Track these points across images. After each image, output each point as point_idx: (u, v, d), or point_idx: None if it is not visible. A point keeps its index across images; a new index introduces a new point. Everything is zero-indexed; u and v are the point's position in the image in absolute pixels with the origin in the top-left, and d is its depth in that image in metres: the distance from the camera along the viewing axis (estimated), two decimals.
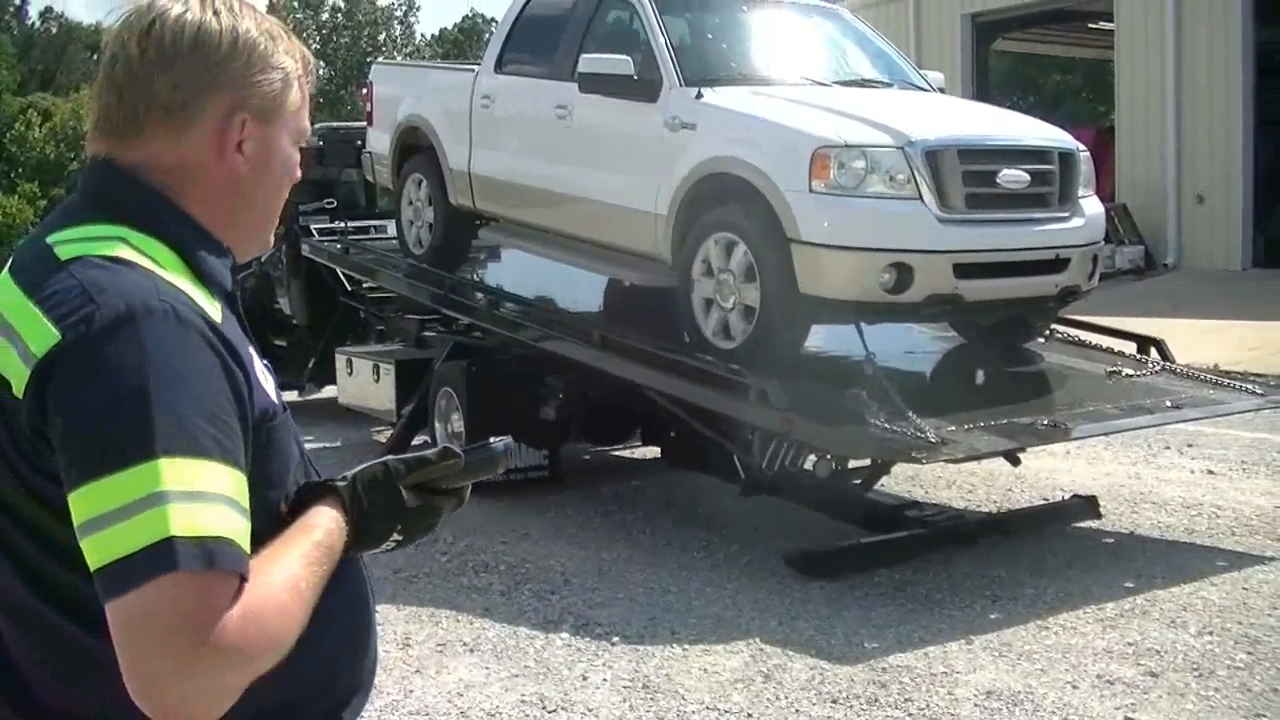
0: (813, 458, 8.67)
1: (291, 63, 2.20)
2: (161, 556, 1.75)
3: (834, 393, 8.24)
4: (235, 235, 2.18)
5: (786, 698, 6.40)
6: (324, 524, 2.02)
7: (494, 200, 11.24)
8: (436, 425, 11.18)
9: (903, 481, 10.53)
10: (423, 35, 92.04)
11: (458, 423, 10.94)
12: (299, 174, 2.27)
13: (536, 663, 6.98)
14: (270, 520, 1.99)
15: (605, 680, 6.68)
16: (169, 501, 1.77)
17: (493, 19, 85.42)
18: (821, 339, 9.49)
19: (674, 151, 9.16)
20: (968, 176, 8.42)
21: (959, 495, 10.47)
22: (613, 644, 7.21)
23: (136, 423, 1.80)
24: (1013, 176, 8.54)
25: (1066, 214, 8.91)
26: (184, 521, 1.77)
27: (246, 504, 1.86)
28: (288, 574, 1.90)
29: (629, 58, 9.41)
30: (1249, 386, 9.67)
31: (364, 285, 14.07)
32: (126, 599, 1.75)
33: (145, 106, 2.08)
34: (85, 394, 1.83)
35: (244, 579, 1.81)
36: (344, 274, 14.05)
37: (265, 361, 2.29)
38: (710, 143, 8.94)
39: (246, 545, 1.83)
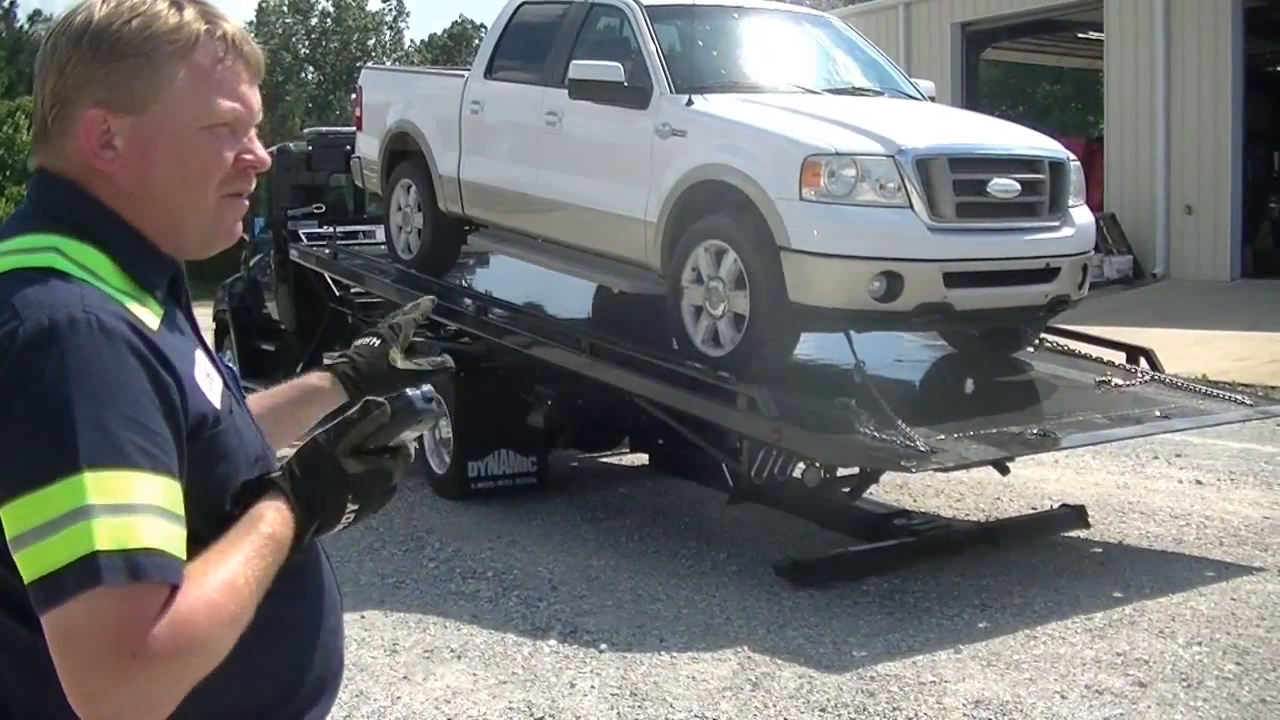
0: (801, 466, 8.64)
1: (168, 43, 2.07)
2: (85, 572, 1.74)
3: (823, 401, 8.23)
4: (162, 234, 2.12)
5: (775, 706, 6.39)
6: (265, 515, 2.02)
7: (483, 206, 11.22)
8: (425, 434, 11.13)
9: (891, 490, 10.52)
10: (412, 41, 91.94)
11: (446, 429, 10.91)
12: (232, 158, 2.14)
13: (524, 669, 6.96)
14: (217, 524, 1.98)
15: (593, 688, 6.66)
16: (93, 516, 1.76)
17: (481, 25, 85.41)
18: (810, 347, 9.48)
19: (664, 158, 9.15)
20: (958, 185, 8.41)
21: (947, 504, 10.47)
22: (600, 651, 7.19)
23: (59, 436, 1.80)
24: (1003, 185, 8.53)
25: (1057, 223, 8.90)
26: (108, 535, 1.76)
27: (180, 510, 1.85)
28: (224, 574, 1.89)
29: (619, 65, 9.40)
30: (1237, 397, 9.67)
31: (352, 290, 14.05)
32: (55, 613, 1.76)
33: (42, 113, 2.08)
34: (8, 409, 1.82)
35: (175, 587, 1.81)
36: (332, 279, 14.03)
37: (229, 365, 2.30)
38: (701, 150, 8.93)
39: (180, 552, 1.83)
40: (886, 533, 9.00)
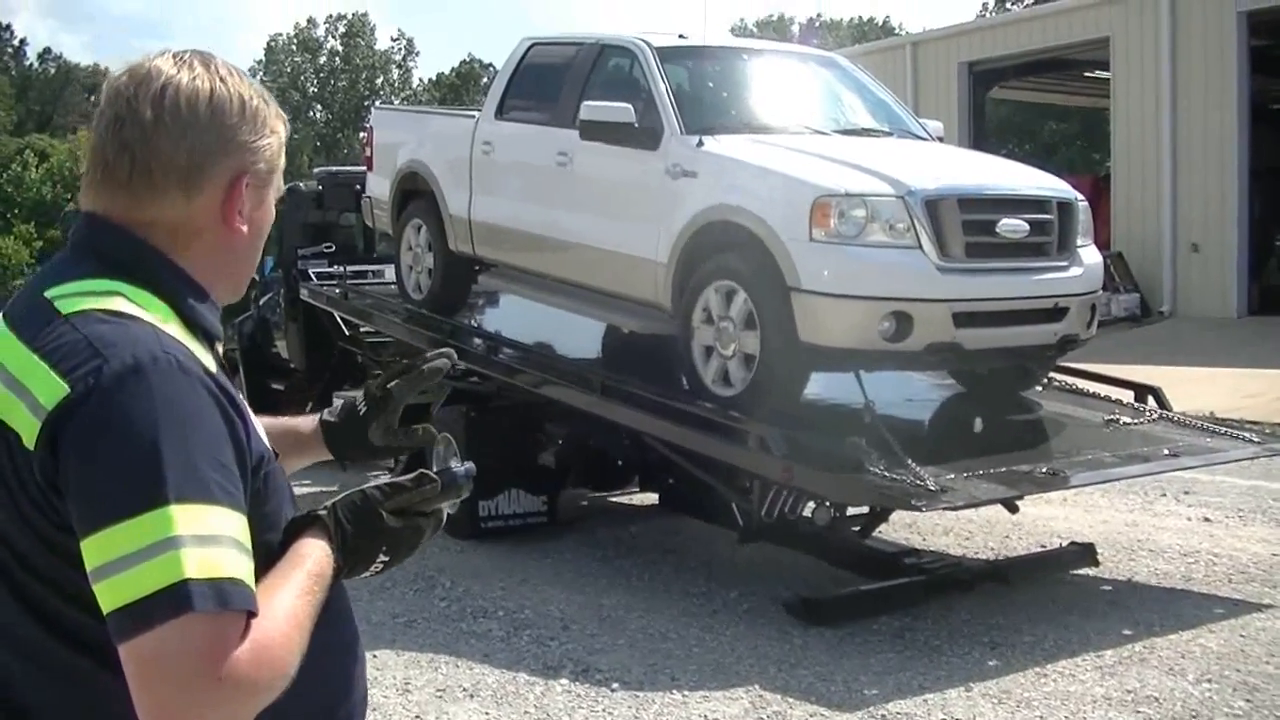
0: (812, 505, 8.69)
1: (282, 127, 2.30)
2: (178, 598, 1.83)
3: (833, 440, 8.27)
4: (220, 286, 2.27)
5: None
6: (313, 554, 2.12)
7: (494, 246, 11.28)
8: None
9: (900, 529, 10.54)
10: (420, 80, 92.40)
11: (457, 468, 10.92)
12: None
13: (537, 709, 6.98)
14: (268, 558, 2.07)
15: None
16: (183, 545, 1.85)
17: (490, 64, 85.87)
18: (820, 386, 9.51)
19: (674, 199, 9.22)
20: (967, 225, 8.47)
21: (956, 542, 10.49)
22: (613, 690, 7.22)
23: (148, 470, 1.88)
24: (1012, 226, 8.59)
25: (1065, 263, 8.96)
26: (197, 564, 1.85)
27: (249, 543, 1.95)
28: (287, 607, 2.00)
29: (630, 105, 9.47)
30: (1245, 435, 9.71)
31: (361, 330, 14.10)
32: (143, 639, 1.83)
33: (160, 169, 2.14)
34: (98, 444, 1.90)
35: (252, 615, 1.90)
36: (342, 318, 14.08)
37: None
38: (711, 191, 8.99)
39: (252, 583, 1.92)
40: (897, 571, 9.01)
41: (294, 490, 2.37)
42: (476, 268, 11.92)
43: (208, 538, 1.88)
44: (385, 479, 2.27)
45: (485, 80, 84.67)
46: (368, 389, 2.89)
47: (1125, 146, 28.02)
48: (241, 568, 1.90)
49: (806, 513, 8.78)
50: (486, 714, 6.91)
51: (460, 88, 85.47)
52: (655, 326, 9.87)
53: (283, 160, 2.31)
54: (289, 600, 2.01)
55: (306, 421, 2.89)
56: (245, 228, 2.24)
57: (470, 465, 2.39)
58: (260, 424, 2.22)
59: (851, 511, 9.13)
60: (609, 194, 10.01)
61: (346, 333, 14.38)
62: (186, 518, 1.87)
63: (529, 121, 11.02)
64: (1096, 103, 35.93)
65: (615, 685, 7.29)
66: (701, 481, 9.37)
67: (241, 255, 2.28)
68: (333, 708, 2.33)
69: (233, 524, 1.92)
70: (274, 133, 2.26)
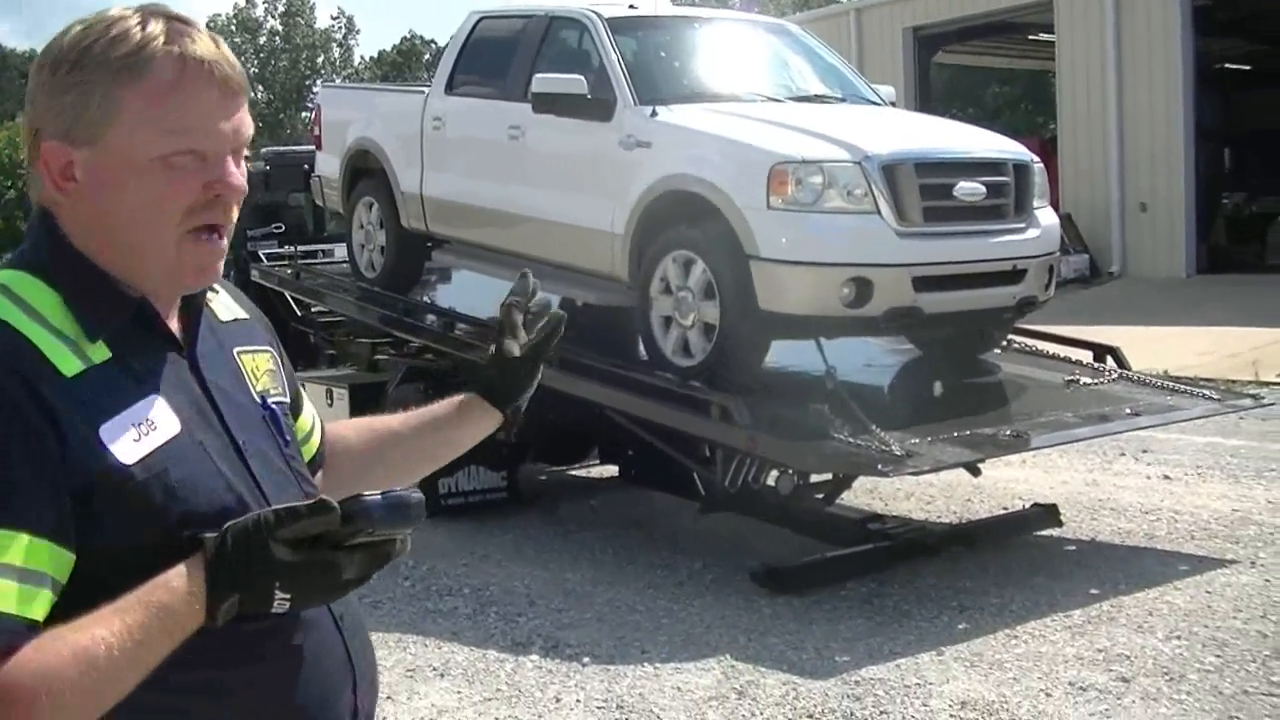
0: (775, 473, 8.67)
1: (104, 75, 1.96)
2: None
3: (796, 408, 8.25)
4: (126, 271, 2.01)
5: (762, 714, 6.40)
6: (169, 582, 1.83)
7: (447, 222, 11.20)
8: None
9: (861, 495, 10.53)
10: (362, 57, 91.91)
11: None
12: (199, 188, 2.01)
13: (508, 685, 6.95)
14: (139, 583, 1.83)
15: (579, 701, 6.66)
16: None
17: (431, 40, 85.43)
18: (779, 354, 9.48)
19: (629, 170, 9.16)
20: (924, 190, 8.45)
21: (918, 507, 10.50)
22: (584, 665, 7.18)
23: None
24: (969, 189, 8.58)
25: (1022, 225, 8.95)
26: None
27: (37, 565, 1.76)
28: (82, 639, 1.75)
29: (582, 77, 9.40)
30: (1205, 392, 9.74)
31: (313, 310, 14.01)
32: None
33: (28, 141, 2.02)
34: None
35: (10, 648, 1.71)
36: (294, 299, 13.98)
37: (273, 404, 2.22)
38: (666, 161, 8.94)
39: (25, 610, 1.73)
40: (861, 537, 8.99)
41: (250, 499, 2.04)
42: (429, 244, 11.83)
43: None
44: (285, 505, 1.89)
45: (427, 57, 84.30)
46: (492, 340, 2.71)
47: (1071, 108, 28.10)
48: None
49: (770, 481, 8.77)
50: (458, 693, 6.87)
51: (402, 64, 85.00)
52: (612, 298, 9.81)
53: (134, 110, 1.95)
54: (95, 635, 1.75)
55: (454, 399, 2.67)
56: (90, 195, 1.98)
57: (405, 494, 1.91)
58: (149, 430, 1.93)
59: (814, 479, 9.12)
60: (563, 166, 9.95)
61: (299, 314, 14.27)
62: None
63: (479, 96, 10.94)
64: (1041, 65, 36.08)
65: (586, 659, 7.26)
66: (662, 453, 9.34)
67: (114, 228, 1.99)
68: None
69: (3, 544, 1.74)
70: (84, 84, 1.95)
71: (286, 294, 13.92)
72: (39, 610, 1.74)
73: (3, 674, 1.69)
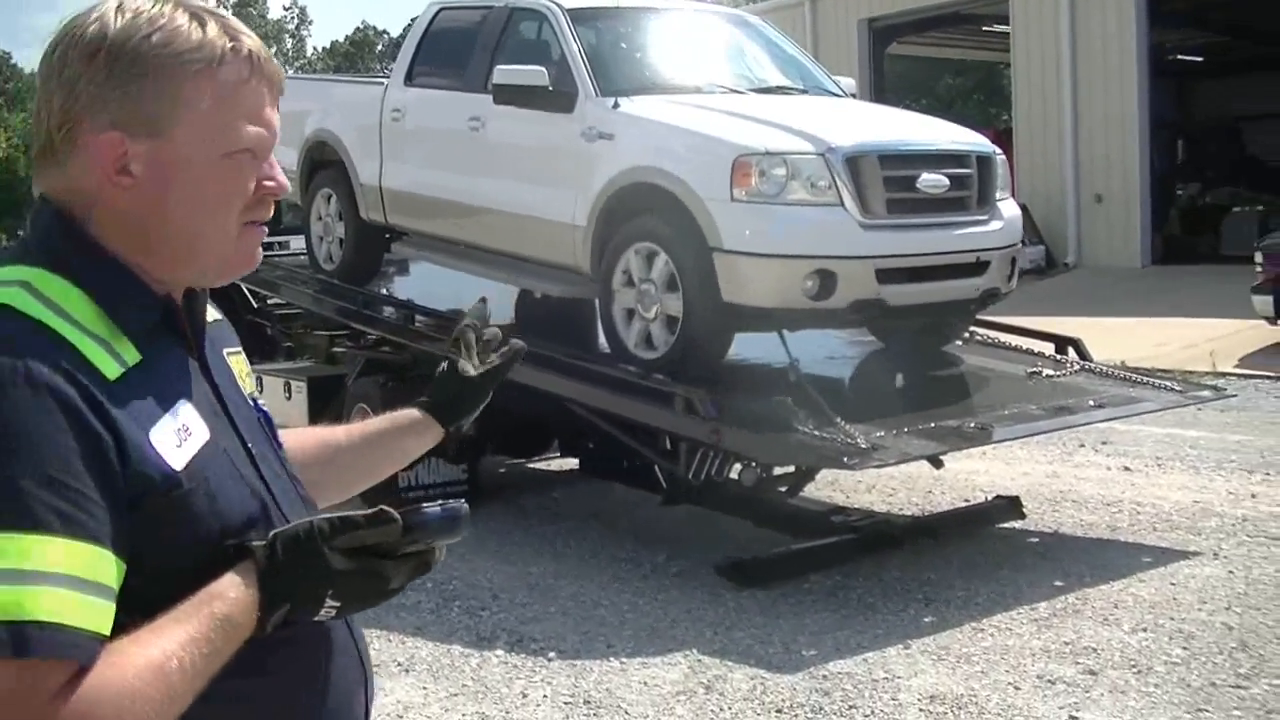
0: (738, 466, 8.65)
1: (191, 62, 1.91)
2: None
3: (760, 401, 8.22)
4: (174, 263, 1.96)
5: (730, 709, 6.37)
6: (225, 593, 1.80)
7: (407, 214, 11.13)
8: None
9: (823, 487, 10.52)
10: (314, 48, 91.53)
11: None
12: (254, 185, 1.99)
13: (474, 681, 6.90)
14: (179, 593, 1.78)
15: (545, 697, 6.62)
16: None
17: (384, 31, 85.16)
18: (741, 347, 9.45)
19: (591, 162, 9.11)
20: (888, 182, 8.44)
21: (880, 499, 10.50)
22: (549, 660, 7.14)
23: None
24: (932, 181, 8.57)
25: (985, 217, 8.96)
26: None
27: (104, 579, 1.69)
28: (154, 655, 1.70)
29: (543, 69, 9.34)
30: (1167, 384, 9.76)
31: (269, 302, 13.91)
32: None
33: (46, 130, 1.91)
34: None
35: (84, 665, 1.64)
36: (250, 290, 13.86)
37: (263, 408, 2.17)
38: (629, 153, 8.90)
39: (93, 625, 1.66)
40: (825, 530, 8.98)
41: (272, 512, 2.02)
42: (388, 236, 11.75)
43: (18, 573, 1.61)
44: (340, 513, 1.89)
45: (380, 47, 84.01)
46: (449, 354, 2.75)
47: (1026, 100, 28.20)
48: (66, 608, 1.63)
49: (733, 474, 8.75)
50: (424, 688, 6.81)
51: (355, 55, 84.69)
52: (574, 290, 9.77)
53: (204, 103, 1.91)
54: (162, 647, 1.71)
55: (401, 412, 2.67)
56: (146, 188, 1.90)
57: (457, 505, 1.94)
58: (188, 437, 1.88)
59: (778, 471, 9.11)
60: (524, 158, 9.88)
61: (255, 305, 14.16)
62: None
63: (439, 87, 10.87)
64: (995, 57, 36.22)
65: (551, 654, 7.22)
66: (624, 445, 9.29)
67: (164, 224, 1.93)
68: None
69: (66, 557, 1.65)
70: (160, 74, 1.89)
71: (242, 286, 13.80)
72: (106, 625, 1.67)
73: (86, 694, 1.64)
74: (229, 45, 1.94)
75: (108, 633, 1.67)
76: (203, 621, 1.75)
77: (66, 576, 1.64)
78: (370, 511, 1.86)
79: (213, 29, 1.93)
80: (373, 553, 1.87)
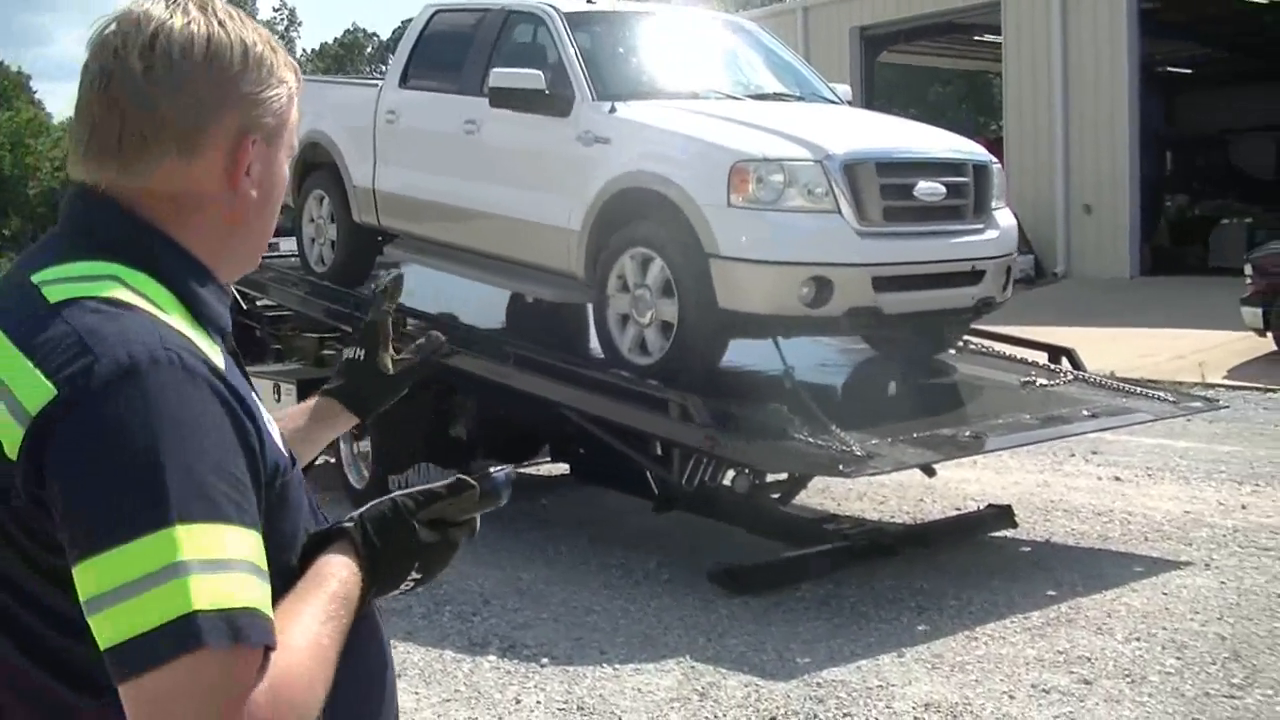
0: (731, 473, 8.63)
1: (291, 76, 2.02)
2: (185, 633, 1.59)
3: (755, 407, 8.21)
4: (231, 264, 2.02)
5: (725, 716, 6.36)
6: (337, 573, 1.87)
7: (400, 217, 11.09)
8: (342, 446, 11.02)
9: (814, 495, 10.50)
10: (304, 50, 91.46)
11: (364, 443, 10.81)
12: None
13: (467, 686, 6.88)
14: (284, 579, 1.83)
15: (539, 703, 6.60)
16: (190, 573, 1.61)
17: (374, 33, 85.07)
18: (734, 353, 9.44)
19: (587, 166, 9.09)
20: (885, 189, 8.43)
21: (872, 507, 10.49)
22: (542, 666, 7.12)
23: (147, 486, 1.64)
24: (929, 189, 8.57)
25: (981, 226, 8.96)
26: (207, 594, 1.61)
27: (265, 566, 1.72)
28: (308, 636, 1.77)
29: (540, 72, 9.33)
30: (1160, 394, 9.77)
31: (258, 304, 13.87)
32: (146, 679, 1.60)
33: (153, 129, 1.87)
34: (88, 456, 1.66)
35: (270, 649, 1.67)
36: (240, 292, 13.81)
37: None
38: (625, 157, 8.88)
39: (270, 611, 1.69)
40: (817, 537, 8.97)
41: (316, 501, 2.11)
42: (380, 239, 11.72)
43: (218, 562, 1.64)
44: (416, 487, 1.99)
45: (370, 50, 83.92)
46: (349, 338, 2.76)
47: (1017, 109, 28.26)
48: (257, 595, 1.67)
49: (727, 481, 8.73)
50: (416, 694, 6.79)
51: (344, 57, 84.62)
52: (568, 295, 9.75)
53: (295, 115, 2.04)
54: (311, 629, 1.78)
55: (308, 404, 2.68)
56: (255, 192, 1.96)
57: (511, 469, 2.10)
58: (274, 425, 1.94)
59: (770, 478, 9.09)
60: (519, 162, 9.86)
61: (244, 306, 14.11)
62: (193, 540, 1.63)
63: (434, 89, 10.83)
64: (986, 66, 36.27)
65: (544, 660, 7.20)
66: (615, 451, 9.27)
67: (252, 226, 2.00)
68: None
69: (247, 545, 1.69)
70: (283, 82, 1.98)
71: (231, 287, 13.74)
72: (271, 609, 1.71)
73: (278, 677, 1.68)
74: (301, 76, 2.07)
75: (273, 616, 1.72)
76: (329, 601, 1.83)
77: (249, 564, 1.68)
78: (449, 481, 1.99)
79: (290, 58, 2.05)
80: (443, 522, 2.00)
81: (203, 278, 1.94)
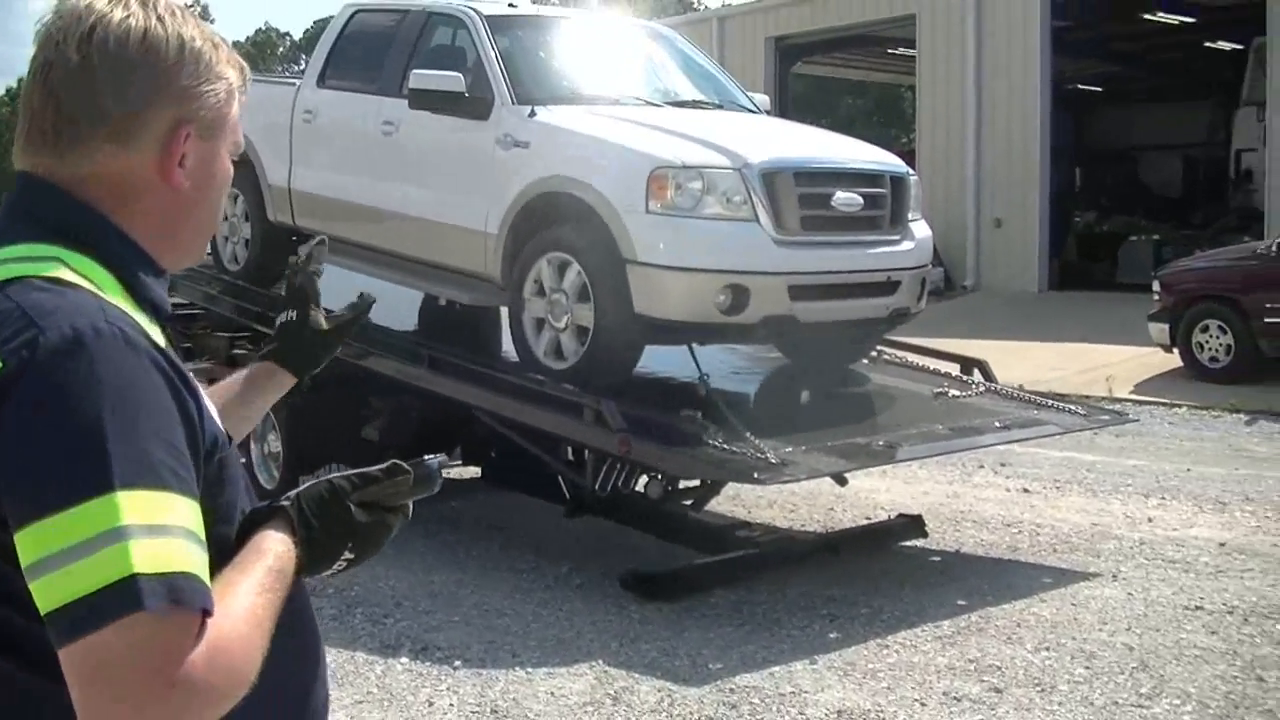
0: (644, 479, 8.64)
1: (233, 73, 2.06)
2: (125, 596, 1.62)
3: (669, 414, 8.23)
4: (172, 253, 2.05)
5: None
6: (274, 548, 1.91)
7: (316, 217, 11.00)
8: (252, 446, 10.91)
9: (724, 502, 10.50)
10: None
11: (275, 443, 10.72)
12: None
13: (379, 689, 6.83)
14: (222, 551, 1.86)
15: (452, 705, 6.57)
16: (130, 537, 1.64)
17: (286, 33, 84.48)
18: (650, 360, 9.45)
19: (506, 170, 9.08)
20: (803, 199, 8.48)
21: (782, 515, 10.53)
22: (455, 668, 7.09)
23: (91, 453, 1.67)
24: (846, 199, 8.62)
25: (898, 237, 9.03)
26: (147, 557, 1.64)
27: (202, 533, 1.74)
28: (246, 605, 1.80)
29: (460, 75, 9.30)
30: (1071, 407, 9.89)
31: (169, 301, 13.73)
32: (86, 641, 1.62)
33: (87, 118, 1.93)
34: (33, 426, 1.70)
35: (207, 614, 1.69)
36: None
37: None
38: (543, 162, 8.88)
39: (207, 578, 1.72)
40: (729, 544, 8.99)
41: (249, 480, 2.16)
42: (295, 238, 11.63)
43: (158, 528, 1.67)
44: (352, 470, 2.05)
45: (282, 49, 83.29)
46: (281, 303, 2.85)
47: (930, 123, 28.47)
48: (196, 561, 1.70)
49: (639, 486, 8.74)
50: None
51: (256, 56, 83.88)
52: (484, 298, 9.72)
53: (235, 110, 2.08)
54: (248, 598, 1.81)
55: (248, 369, 2.77)
56: (189, 184, 2.00)
57: (444, 457, 2.21)
58: (211, 403, 2.00)
59: (683, 485, 9.11)
60: (437, 164, 9.83)
61: None
62: (135, 506, 1.66)
63: (353, 90, 10.77)
64: (899, 79, 36.56)
65: (457, 663, 7.16)
66: (528, 455, 9.26)
67: (190, 216, 2.05)
68: (298, 715, 2.15)
69: (185, 513, 1.72)
70: (221, 78, 2.03)
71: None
72: (208, 575, 1.75)
73: (215, 640, 1.71)
74: (248, 73, 2.13)
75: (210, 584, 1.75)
76: (265, 574, 1.87)
77: (188, 531, 1.71)
78: (385, 465, 2.06)
79: (235, 55, 2.10)
80: (378, 505, 2.06)
81: (144, 262, 1.99)
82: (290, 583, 1.92)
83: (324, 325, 2.81)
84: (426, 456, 2.13)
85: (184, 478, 1.75)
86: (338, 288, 10.41)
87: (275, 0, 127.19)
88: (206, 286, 12.21)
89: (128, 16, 1.95)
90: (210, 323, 13.06)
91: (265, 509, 2.00)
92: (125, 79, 1.94)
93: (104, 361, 1.74)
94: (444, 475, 2.18)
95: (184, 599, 1.66)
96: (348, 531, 2.01)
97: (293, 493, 2.00)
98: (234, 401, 2.64)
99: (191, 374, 1.92)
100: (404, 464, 2.07)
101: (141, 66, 1.95)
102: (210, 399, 2.53)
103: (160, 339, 1.89)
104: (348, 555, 2.03)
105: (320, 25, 11.83)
